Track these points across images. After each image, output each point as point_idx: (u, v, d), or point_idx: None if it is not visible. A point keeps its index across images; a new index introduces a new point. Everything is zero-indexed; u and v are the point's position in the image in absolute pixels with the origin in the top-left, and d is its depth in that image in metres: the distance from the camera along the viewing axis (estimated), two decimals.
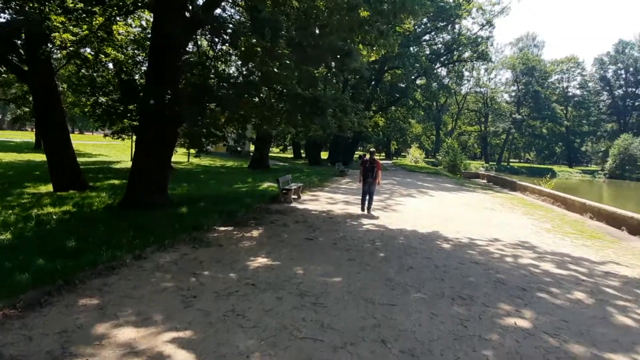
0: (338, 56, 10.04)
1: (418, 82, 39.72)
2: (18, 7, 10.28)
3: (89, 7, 11.76)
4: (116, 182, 15.07)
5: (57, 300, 4.50)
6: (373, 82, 36.53)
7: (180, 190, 13.57)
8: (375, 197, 12.43)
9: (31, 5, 10.41)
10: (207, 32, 11.46)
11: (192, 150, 17.48)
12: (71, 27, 11.90)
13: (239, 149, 15.10)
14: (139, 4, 12.29)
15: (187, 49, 12.01)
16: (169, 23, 9.43)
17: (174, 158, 14.18)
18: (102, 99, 15.60)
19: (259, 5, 8.81)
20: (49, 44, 11.52)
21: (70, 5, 11.67)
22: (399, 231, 9.43)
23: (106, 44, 13.78)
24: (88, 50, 14.23)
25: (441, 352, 3.81)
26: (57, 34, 11.37)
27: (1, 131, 60.35)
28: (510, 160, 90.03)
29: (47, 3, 11.09)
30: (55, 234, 7.01)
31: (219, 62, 13.22)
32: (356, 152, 45.94)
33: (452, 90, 57.91)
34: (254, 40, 10.00)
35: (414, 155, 55.21)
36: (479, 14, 39.68)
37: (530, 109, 78.86)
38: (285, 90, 10.81)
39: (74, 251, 5.93)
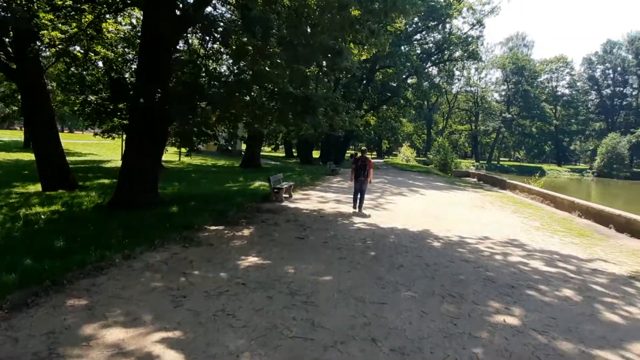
0: (329, 55, 10.05)
1: (409, 81, 39.80)
2: (5, 4, 10.12)
3: (78, 5, 11.63)
4: (106, 181, 14.92)
5: (45, 301, 4.45)
6: (364, 81, 36.56)
7: (171, 189, 13.48)
8: (366, 196, 12.47)
9: (19, 2, 10.26)
10: (198, 31, 11.39)
11: (183, 149, 17.36)
12: (60, 25, 11.75)
13: (229, 147, 15.02)
14: (129, 2, 12.19)
15: (178, 47, 11.94)
16: (159, 21, 9.36)
17: (164, 157, 14.09)
18: (92, 98, 15.46)
19: (250, 4, 8.77)
20: (37, 42, 11.36)
21: (59, 2, 11.53)
22: (390, 230, 9.46)
23: (96, 42, 13.65)
24: (77, 48, 14.08)
25: (431, 350, 3.83)
26: (45, 31, 11.22)
27: None
28: (501, 159, 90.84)
29: (35, 0, 10.95)
30: (44, 234, 6.93)
31: (210, 61, 13.15)
32: (348, 151, 45.96)
33: (443, 90, 58.24)
34: (245, 39, 9.96)
35: (405, 154, 55.39)
36: (469, 13, 39.85)
37: (520, 108, 79.60)
38: (276, 89, 10.78)
39: (62, 251, 5.86)
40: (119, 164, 16.21)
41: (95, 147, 34.38)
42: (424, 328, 4.28)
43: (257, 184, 16.26)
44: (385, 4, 10.11)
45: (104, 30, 13.34)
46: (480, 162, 76.52)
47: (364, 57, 13.80)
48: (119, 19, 14.53)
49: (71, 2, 11.51)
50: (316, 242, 7.86)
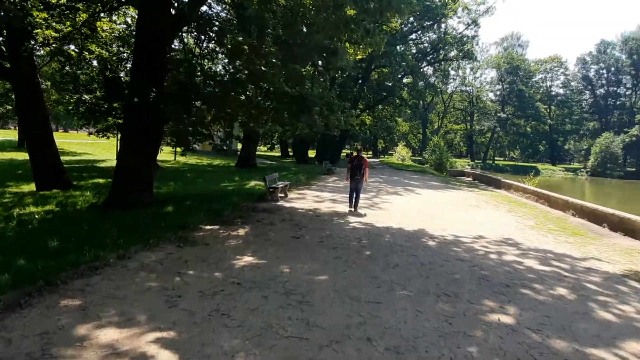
0: (324, 54, 10.05)
1: (405, 80, 39.85)
2: None
3: (72, 3, 11.57)
4: (101, 181, 14.86)
5: (38, 301, 4.42)
6: (360, 81, 36.59)
7: (166, 189, 13.44)
8: (362, 195, 12.48)
9: (12, 0, 10.19)
10: (193, 30, 11.36)
11: (178, 149, 17.32)
12: (54, 24, 11.70)
13: (225, 147, 15.00)
14: (123, 0, 12.12)
15: (173, 46, 11.89)
16: (154, 20, 9.33)
17: (160, 157, 14.03)
18: (86, 97, 15.37)
19: (245, 3, 8.75)
20: (31, 41, 11.30)
21: (53, 1, 11.46)
22: (385, 229, 9.48)
23: (90, 41, 13.58)
24: (72, 47, 14.00)
25: (426, 349, 3.83)
26: (39, 30, 11.16)
27: None
28: (496, 158, 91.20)
29: None
30: (38, 233, 6.89)
31: (206, 60, 13.11)
32: (343, 151, 45.99)
33: (438, 89, 58.46)
34: (241, 38, 9.94)
35: (401, 153, 55.51)
36: (464, 13, 39.94)
37: (515, 108, 79.96)
38: (271, 89, 10.77)
39: (56, 251, 5.83)
40: (113, 163, 16.16)
41: (90, 147, 34.21)
42: (419, 327, 4.29)
43: (252, 183, 16.24)
44: (380, 3, 10.12)
45: (99, 29, 13.28)
46: (476, 161, 76.83)
47: (359, 57, 13.81)
48: (114, 17, 14.46)
49: (65, 0, 11.43)
50: (312, 242, 7.86)
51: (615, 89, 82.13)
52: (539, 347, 4.01)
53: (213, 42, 11.51)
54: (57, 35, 11.70)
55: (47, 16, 11.23)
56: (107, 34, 14.20)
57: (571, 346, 4.07)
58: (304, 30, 10.21)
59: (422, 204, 14.19)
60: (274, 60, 10.31)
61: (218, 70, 14.10)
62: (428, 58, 41.55)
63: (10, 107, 26.72)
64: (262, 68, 10.37)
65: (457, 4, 37.83)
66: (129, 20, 14.78)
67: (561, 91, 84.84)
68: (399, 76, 37.43)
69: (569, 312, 4.96)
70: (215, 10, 12.94)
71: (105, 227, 7.44)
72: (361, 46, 11.93)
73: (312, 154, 42.71)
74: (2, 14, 9.57)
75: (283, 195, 13.78)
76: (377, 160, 55.90)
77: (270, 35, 9.39)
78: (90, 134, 21.03)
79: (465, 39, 39.66)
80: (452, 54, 41.42)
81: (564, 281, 6.17)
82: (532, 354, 3.86)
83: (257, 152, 31.11)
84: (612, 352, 4.01)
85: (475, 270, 6.49)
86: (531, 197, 17.54)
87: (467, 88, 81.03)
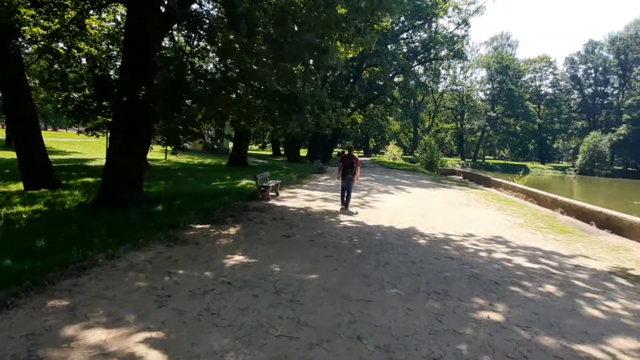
0: (315, 53, 10.02)
1: (396, 79, 39.98)
2: None
3: (61, 0, 11.42)
4: (90, 180, 14.71)
5: (25, 302, 4.36)
6: (351, 80, 36.63)
7: (156, 188, 13.35)
8: (353, 194, 12.50)
9: None
10: (184, 28, 11.28)
11: (169, 148, 17.20)
12: (42, 21, 11.55)
13: (215, 146, 14.92)
14: None
15: (163, 44, 11.80)
16: (144, 17, 9.24)
17: (150, 155, 13.91)
18: (75, 95, 15.18)
19: (236, 1, 8.70)
20: (18, 38, 11.14)
21: None
22: (376, 227, 9.50)
23: (79, 39, 13.42)
24: (60, 44, 13.83)
25: (416, 347, 3.85)
26: (27, 27, 11.00)
27: None
28: (486, 157, 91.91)
29: None
30: (25, 233, 6.80)
31: (196, 58, 13.03)
32: (335, 149, 46.03)
33: (429, 88, 58.71)
34: (232, 37, 9.89)
35: (392, 152, 55.64)
36: (455, 12, 40.15)
37: (505, 107, 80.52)
38: (262, 87, 10.73)
39: (44, 251, 5.76)
40: (103, 162, 15.97)
41: (79, 146, 33.83)
42: (409, 325, 4.31)
43: (243, 182, 16.18)
44: (371, 2, 10.13)
45: (88, 26, 13.15)
46: (466, 160, 77.30)
47: (350, 56, 13.83)
48: (103, 15, 14.32)
49: None
50: (303, 240, 7.85)
51: (603, 88, 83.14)
52: (528, 344, 4.05)
53: (204, 40, 11.46)
54: (45, 32, 11.55)
55: (34, 13, 11.08)
56: (96, 31, 14.06)
57: (559, 343, 4.11)
58: (295, 28, 10.19)
59: (413, 203, 14.25)
60: (264, 59, 10.27)
61: (209, 68, 14.04)
62: (419, 57, 41.71)
63: None
64: (253, 66, 10.33)
65: (448, 3, 38.03)
66: (118, 17, 14.64)
67: (550, 90, 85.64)
68: (390, 75, 37.55)
69: (557, 309, 5.01)
70: (205, 8, 12.87)
71: (94, 226, 7.36)
72: (352, 45, 11.96)
73: (303, 152, 42.71)
74: None
75: (274, 194, 13.76)
76: (369, 159, 56.02)
77: (261, 33, 9.36)
78: (79, 132, 20.74)
79: (455, 38, 39.87)
80: (443, 53, 41.62)
81: (552, 278, 6.23)
82: (520, 350, 3.90)
83: (248, 151, 31.02)
84: (599, 348, 4.06)
85: (465, 268, 6.53)
86: (520, 196, 17.70)
87: (458, 87, 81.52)
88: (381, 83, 37.46)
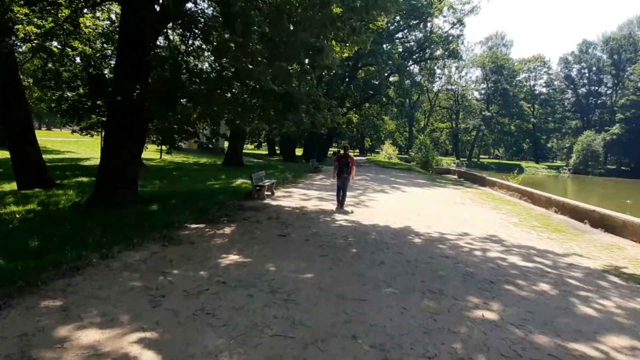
0: (310, 52, 10.01)
1: (391, 79, 40.01)
2: None
3: None
4: (85, 179, 14.63)
5: (18, 302, 4.33)
6: (347, 79, 36.65)
7: (151, 187, 13.29)
8: (348, 193, 12.51)
9: None
10: (179, 27, 11.23)
11: (164, 147, 17.13)
12: (36, 20, 11.47)
13: (211, 145, 14.88)
14: None
15: (158, 43, 11.75)
16: (139, 16, 9.20)
17: (145, 155, 13.85)
18: (69, 94, 15.09)
19: (231, 0, 8.68)
20: (12, 37, 11.05)
21: None
22: (371, 227, 9.51)
23: (73, 38, 13.34)
24: (54, 43, 13.74)
25: (411, 346, 3.86)
26: (20, 26, 10.92)
27: None
28: (481, 156, 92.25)
29: None
30: (18, 233, 6.76)
31: (191, 57, 12.98)
32: (330, 149, 46.03)
33: (424, 88, 58.58)
34: (227, 36, 9.86)
35: (388, 151, 55.68)
36: (450, 12, 40.23)
37: (499, 107, 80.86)
38: (258, 86, 10.71)
39: (37, 251, 5.73)
40: (97, 161, 15.89)
41: (73, 145, 33.62)
42: (404, 324, 4.31)
43: (239, 181, 16.15)
44: (366, 1, 10.12)
45: (82, 25, 13.07)
46: (461, 159, 77.52)
47: (345, 55, 13.81)
48: (97, 13, 14.22)
49: None
50: (298, 240, 7.85)
51: (597, 88, 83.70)
52: (522, 342, 4.07)
53: (199, 39, 11.41)
54: (38, 31, 11.47)
55: (28, 12, 11.00)
56: (91, 30, 13.98)
57: (553, 341, 4.13)
58: (290, 27, 10.18)
59: (408, 202, 14.28)
60: (260, 58, 10.25)
61: (204, 67, 13.97)
62: (414, 57, 41.80)
63: None
64: (249, 66, 10.31)
65: (443, 3, 38.12)
66: (112, 16, 14.54)
67: (544, 90, 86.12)
68: (386, 74, 37.58)
69: (551, 307, 5.03)
70: (200, 7, 12.83)
71: (89, 226, 7.33)
72: (347, 44, 11.94)
73: (299, 152, 42.64)
74: None
75: (270, 193, 13.74)
76: (364, 158, 56.00)
77: (256, 32, 9.34)
78: (73, 131, 20.67)
79: (450, 38, 39.97)
80: (438, 52, 41.70)
81: (546, 277, 6.26)
82: (515, 349, 3.91)
83: (244, 150, 30.94)
84: (593, 346, 4.08)
85: (460, 267, 6.55)
86: (515, 195, 17.78)
87: (453, 87, 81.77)
88: (376, 82, 37.47)
